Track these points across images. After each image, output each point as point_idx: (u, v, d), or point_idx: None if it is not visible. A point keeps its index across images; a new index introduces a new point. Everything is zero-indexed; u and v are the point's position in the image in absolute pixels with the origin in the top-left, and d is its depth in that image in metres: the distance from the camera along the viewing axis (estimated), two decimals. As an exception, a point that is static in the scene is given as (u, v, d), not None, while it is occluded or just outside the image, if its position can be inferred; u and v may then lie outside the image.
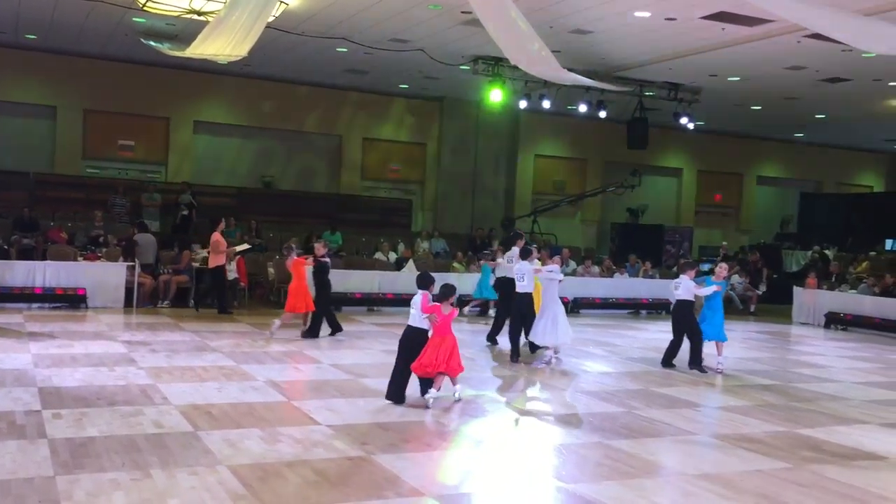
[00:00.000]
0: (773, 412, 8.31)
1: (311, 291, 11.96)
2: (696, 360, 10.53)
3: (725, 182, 28.88)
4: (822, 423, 7.88)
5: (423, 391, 7.88)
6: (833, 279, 19.18)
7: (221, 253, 13.75)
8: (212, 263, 13.88)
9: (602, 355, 11.83)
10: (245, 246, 15.18)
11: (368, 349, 11.12)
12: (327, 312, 11.93)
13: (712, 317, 10.65)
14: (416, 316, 7.86)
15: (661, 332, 15.18)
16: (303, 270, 11.78)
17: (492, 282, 15.19)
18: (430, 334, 7.82)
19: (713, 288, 10.64)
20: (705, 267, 22.36)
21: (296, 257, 11.94)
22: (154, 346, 10.35)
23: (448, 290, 7.84)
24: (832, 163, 29.61)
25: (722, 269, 11.18)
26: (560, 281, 10.97)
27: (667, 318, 17.71)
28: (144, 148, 21.39)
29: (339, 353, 10.56)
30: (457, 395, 7.98)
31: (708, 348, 10.78)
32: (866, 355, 13.23)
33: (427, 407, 7.63)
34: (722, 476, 5.92)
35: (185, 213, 19.16)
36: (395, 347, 11.09)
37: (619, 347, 12.68)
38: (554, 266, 11.06)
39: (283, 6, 13.38)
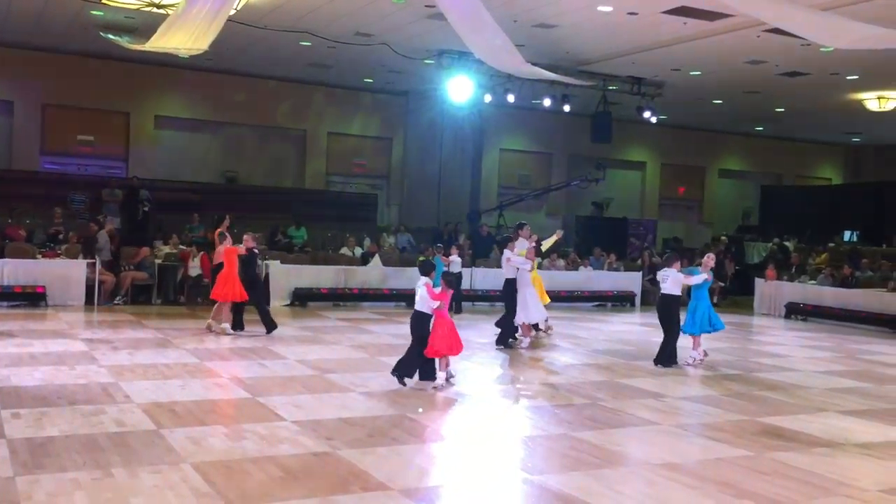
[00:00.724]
0: (735, 401, 8.44)
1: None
2: (663, 357, 10.32)
3: (688, 175, 29.22)
4: (783, 412, 8.02)
5: (426, 376, 8.48)
6: (793, 270, 19.51)
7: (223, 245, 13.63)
8: (217, 260, 13.67)
9: (568, 348, 11.91)
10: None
11: (334, 345, 11.07)
12: (262, 306, 11.84)
13: (695, 308, 10.50)
14: (421, 302, 8.47)
15: (625, 325, 15.35)
16: (234, 259, 11.60)
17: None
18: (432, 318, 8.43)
19: (704, 276, 10.45)
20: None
21: (228, 246, 11.75)
22: (116, 344, 10.20)
23: (451, 281, 8.60)
24: (792, 156, 30.08)
25: (709, 258, 10.97)
26: (529, 270, 11.59)
27: (631, 311, 18.01)
28: (104, 143, 21.04)
29: (304, 349, 10.51)
30: (439, 382, 8.41)
31: (685, 341, 10.73)
32: (826, 345, 13.48)
33: (448, 385, 8.42)
34: (685, 465, 6.00)
35: (147, 208, 18.94)
36: (362, 343, 11.21)
37: (584, 340, 12.77)
38: (520, 257, 11.64)
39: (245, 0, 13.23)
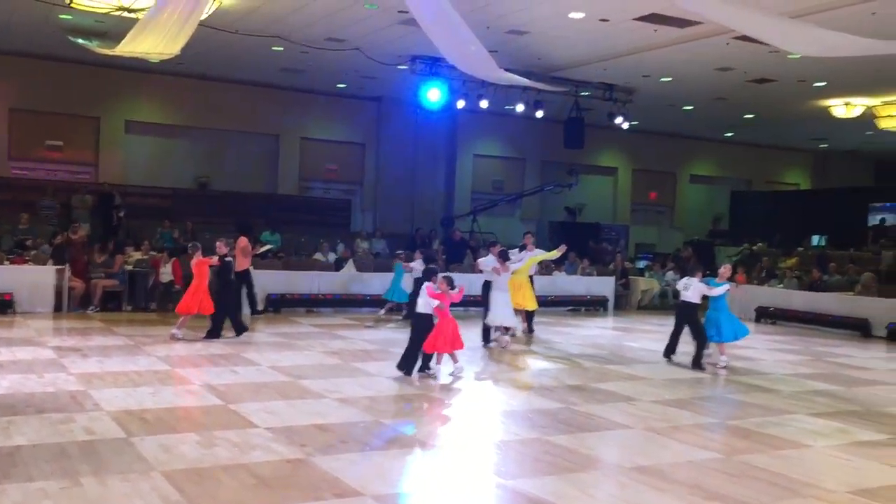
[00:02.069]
0: (706, 405, 8.53)
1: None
2: (698, 361, 10.76)
3: (659, 180, 29.48)
4: (752, 414, 8.12)
5: (424, 367, 9.33)
6: (763, 274, 19.74)
7: (248, 256, 14.01)
8: (239, 267, 13.82)
9: (541, 352, 11.96)
10: (268, 246, 15.22)
11: (308, 350, 11.02)
12: (232, 313, 11.79)
13: (717, 317, 10.86)
14: (423, 304, 9.25)
15: (599, 329, 15.44)
16: (205, 271, 11.45)
17: (405, 285, 14.90)
18: (434, 319, 9.19)
19: (725, 287, 10.89)
20: (641, 264, 22.86)
21: (200, 258, 11.60)
22: (85, 352, 10.08)
23: (450, 282, 9.33)
24: (761, 161, 30.48)
25: (726, 269, 11.48)
26: (494, 270, 11.93)
27: (605, 315, 18.14)
28: (73, 148, 20.82)
29: (277, 355, 10.45)
30: (456, 372, 9.32)
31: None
32: (794, 348, 13.66)
33: (435, 378, 9.22)
34: (656, 468, 6.05)
35: (122, 214, 18.79)
36: (335, 348, 11.20)
37: (558, 344, 12.83)
38: (488, 259, 12.22)
39: (217, 4, 13.17)
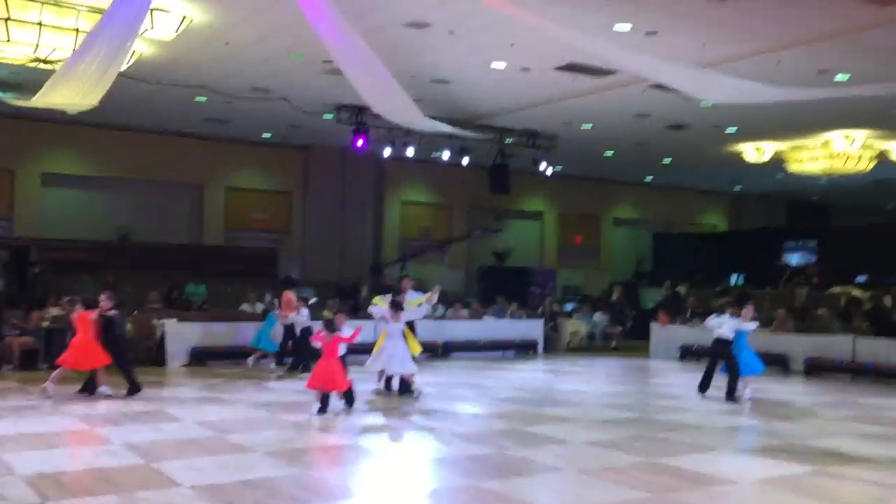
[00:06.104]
0: (635, 444, 8.63)
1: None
2: (731, 393, 11.80)
3: (584, 224, 30.08)
4: (680, 452, 8.24)
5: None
6: (688, 314, 20.20)
7: (293, 310, 14.52)
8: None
9: (472, 397, 11.93)
10: (314, 300, 15.46)
11: (234, 403, 10.76)
12: (125, 369, 11.32)
13: (740, 354, 11.93)
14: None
15: (529, 372, 15.53)
16: (88, 324, 11.00)
17: (273, 334, 14.66)
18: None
19: (756, 324, 12.18)
20: (568, 307, 23.17)
21: (80, 311, 11.08)
22: (-3, 413, 9.62)
23: (327, 324, 10.36)
24: (680, 204, 31.43)
25: (749, 309, 12.31)
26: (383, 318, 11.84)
27: (534, 358, 18.27)
28: (-14, 202, 20.12)
29: (202, 410, 10.16)
30: (347, 409, 10.03)
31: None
32: (717, 384, 13.91)
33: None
34: (588, 509, 6.08)
35: (38, 270, 18.13)
36: (263, 400, 10.99)
37: (489, 388, 12.83)
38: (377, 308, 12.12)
39: (137, 54, 13.02)
